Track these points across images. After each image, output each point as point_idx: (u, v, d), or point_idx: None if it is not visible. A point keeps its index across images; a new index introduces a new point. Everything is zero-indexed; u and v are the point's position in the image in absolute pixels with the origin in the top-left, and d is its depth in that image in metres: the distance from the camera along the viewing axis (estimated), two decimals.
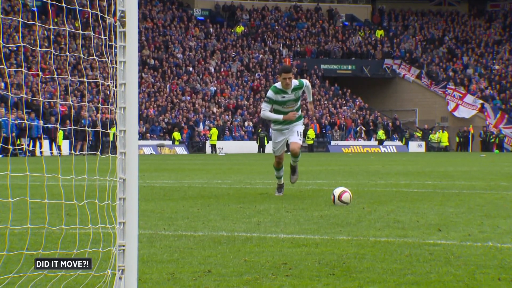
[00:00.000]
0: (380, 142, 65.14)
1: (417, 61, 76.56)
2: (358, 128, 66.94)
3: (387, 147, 64.46)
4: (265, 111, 13.20)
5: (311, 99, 13.82)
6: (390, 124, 69.06)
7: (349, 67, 75.38)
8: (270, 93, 13.11)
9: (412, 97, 74.07)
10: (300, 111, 13.44)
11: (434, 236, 8.05)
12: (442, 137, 67.02)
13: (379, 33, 79.72)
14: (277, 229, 8.72)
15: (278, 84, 13.11)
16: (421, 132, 68.64)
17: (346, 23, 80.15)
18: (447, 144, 66.95)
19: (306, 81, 13.38)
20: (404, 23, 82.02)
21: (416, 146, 66.04)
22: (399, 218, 9.70)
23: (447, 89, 72.35)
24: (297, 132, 13.29)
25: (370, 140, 66.30)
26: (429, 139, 67.29)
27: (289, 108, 13.17)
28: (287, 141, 13.37)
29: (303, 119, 13.64)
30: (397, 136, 67.79)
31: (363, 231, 8.40)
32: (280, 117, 13.19)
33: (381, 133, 65.85)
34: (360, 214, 10.28)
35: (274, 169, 13.52)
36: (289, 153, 13.49)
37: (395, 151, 63.43)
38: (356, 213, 10.40)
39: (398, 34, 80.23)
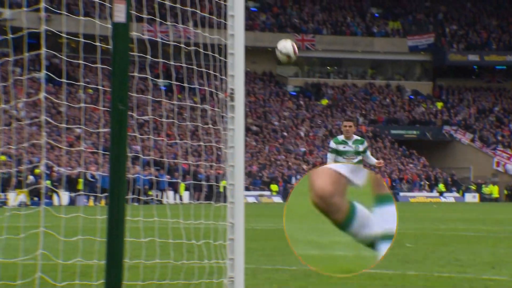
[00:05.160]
0: (441, 193, 63.81)
1: (471, 127, 75.16)
2: (422, 182, 65.78)
3: (447, 197, 63.03)
4: (328, 161, 11.85)
5: (374, 161, 11.90)
6: (449, 178, 67.68)
7: (414, 132, 74.43)
8: (331, 143, 11.88)
9: (467, 157, 72.55)
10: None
11: (489, 272, 7.78)
12: (493, 189, 65.26)
13: (439, 104, 78.68)
14: None
15: (340, 136, 11.85)
16: (475, 186, 67.02)
17: (412, 96, 79.40)
18: (498, 196, 65.12)
19: (365, 141, 12.00)
20: (460, 96, 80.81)
21: (471, 197, 64.41)
22: (459, 257, 9.42)
23: (496, 151, 70.78)
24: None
25: (432, 191, 65.00)
26: (482, 191, 65.61)
27: (349, 160, 11.57)
28: None
29: None
30: (455, 189, 66.32)
31: (428, 268, 8.18)
32: None
33: (441, 186, 64.51)
34: (425, 253, 10.03)
35: None
36: None
37: (454, 201, 61.99)
38: (422, 252, 10.15)
39: (454, 106, 79.06)
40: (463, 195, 64.65)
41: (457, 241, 12.47)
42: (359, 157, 11.69)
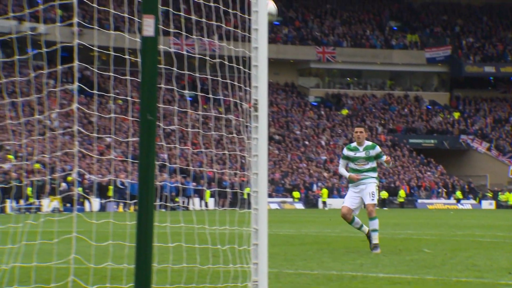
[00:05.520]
0: (458, 200, 63.32)
1: (487, 137, 74.58)
2: (439, 189, 65.32)
3: (464, 204, 62.54)
4: (340, 166, 11.54)
5: (383, 160, 11.48)
6: (466, 186, 67.15)
7: (432, 141, 74.02)
8: (344, 150, 11.52)
9: (484, 165, 71.99)
10: (374, 173, 11.38)
11: (506, 278, 7.70)
12: (509, 197, 64.59)
13: (456, 114, 78.21)
14: (377, 269, 8.51)
15: (353, 143, 11.51)
16: (492, 193, 66.41)
17: (429, 106, 79.03)
18: None
19: (378, 146, 11.55)
20: (476, 107, 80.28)
21: (487, 204, 63.84)
22: (476, 262, 9.33)
23: None
24: (369, 193, 11.15)
25: (449, 199, 64.53)
26: (498, 198, 64.98)
27: (360, 166, 11.26)
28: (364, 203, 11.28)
29: (377, 180, 11.43)
30: (471, 196, 65.78)
31: (446, 273, 8.11)
32: (346, 175, 11.35)
33: (458, 193, 64.01)
34: (443, 258, 9.96)
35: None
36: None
37: (470, 208, 61.48)
38: (440, 257, 10.08)
39: (471, 115, 78.54)
40: (479, 202, 64.10)
41: (474, 247, 12.36)
42: (371, 164, 11.32)
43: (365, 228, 11.30)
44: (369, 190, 11.16)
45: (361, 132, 11.45)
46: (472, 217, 32.20)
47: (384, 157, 11.50)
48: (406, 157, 69.29)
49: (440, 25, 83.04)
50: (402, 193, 59.99)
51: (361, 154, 11.31)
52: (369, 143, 11.48)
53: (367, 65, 77.95)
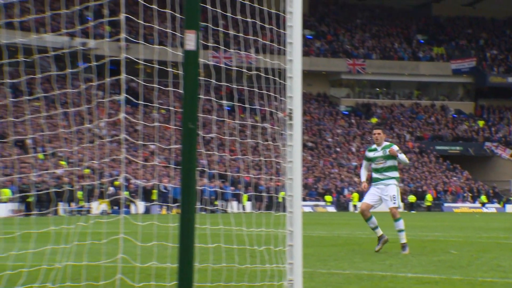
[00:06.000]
0: (483, 204, 62.41)
1: (510, 144, 73.46)
2: (465, 194, 64.47)
3: (488, 208, 61.60)
4: (362, 167, 11.45)
5: (407, 161, 11.31)
6: (490, 191, 66.18)
7: (458, 148, 73.15)
8: (366, 152, 11.52)
9: (507, 171, 70.89)
10: (395, 173, 11.20)
11: None
12: None
13: (481, 123, 77.20)
14: (405, 269, 8.42)
15: (373, 145, 11.44)
16: None
17: (455, 115, 78.14)
18: None
19: (395, 145, 11.36)
20: (500, 115, 79.15)
21: (511, 208, 62.83)
22: (501, 263, 9.17)
23: None
24: (391, 196, 11.02)
25: (474, 203, 63.64)
26: None
27: (379, 165, 11.16)
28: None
29: (396, 181, 11.21)
30: (496, 200, 64.78)
31: (472, 273, 7.99)
32: (362, 179, 11.30)
33: (483, 198, 63.10)
34: (469, 259, 9.81)
35: None
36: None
37: (495, 211, 60.54)
38: (466, 258, 9.93)
39: (495, 124, 77.45)
40: (504, 206, 63.09)
41: (499, 248, 12.15)
42: (389, 162, 11.17)
43: (379, 231, 11.17)
44: (390, 193, 11.04)
45: (379, 133, 11.37)
46: (497, 220, 31.68)
47: (401, 155, 11.20)
48: (433, 163, 68.54)
49: (465, 38, 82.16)
50: (429, 197, 59.33)
51: (379, 153, 11.25)
52: (387, 143, 11.41)
53: (395, 76, 77.42)
